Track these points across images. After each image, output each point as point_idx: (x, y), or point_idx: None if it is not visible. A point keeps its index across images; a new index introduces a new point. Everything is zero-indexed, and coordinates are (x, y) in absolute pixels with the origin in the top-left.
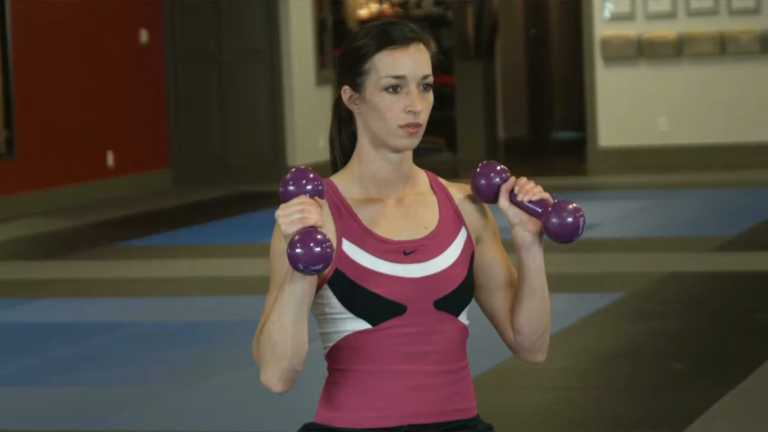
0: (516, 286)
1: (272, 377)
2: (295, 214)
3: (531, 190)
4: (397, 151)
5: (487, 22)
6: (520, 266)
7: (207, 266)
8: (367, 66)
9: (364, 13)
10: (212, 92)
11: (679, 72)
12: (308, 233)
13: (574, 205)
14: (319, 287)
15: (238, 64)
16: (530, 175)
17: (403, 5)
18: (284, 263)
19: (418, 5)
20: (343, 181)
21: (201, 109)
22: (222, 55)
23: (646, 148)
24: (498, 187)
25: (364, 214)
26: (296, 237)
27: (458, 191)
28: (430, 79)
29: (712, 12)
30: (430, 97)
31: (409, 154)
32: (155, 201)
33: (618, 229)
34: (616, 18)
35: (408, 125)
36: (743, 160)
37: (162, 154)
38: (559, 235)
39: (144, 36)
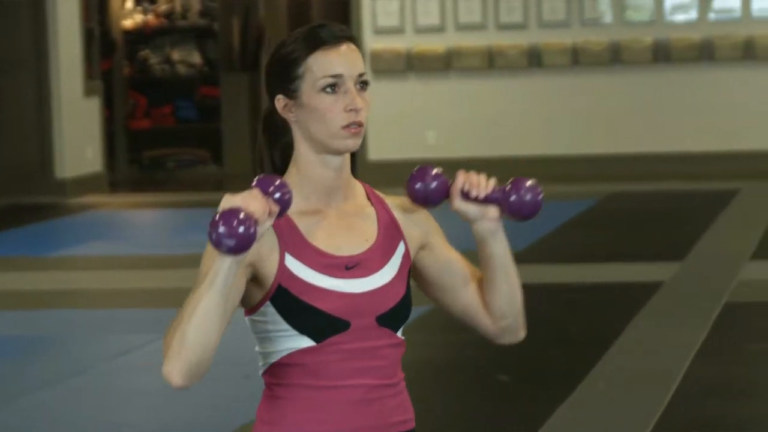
0: (480, 277)
1: (173, 369)
2: (238, 197)
3: (483, 184)
4: (339, 153)
5: (253, 33)
6: (488, 256)
7: None
8: (300, 70)
9: (128, 23)
10: None
11: (448, 85)
12: (234, 211)
13: (531, 181)
14: (260, 304)
15: (3, 74)
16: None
17: (168, 16)
18: (210, 261)
19: (184, 16)
20: None
21: None
22: None
23: (415, 161)
24: (437, 192)
25: (304, 226)
26: (221, 212)
27: (395, 202)
28: (366, 77)
29: (480, 26)
30: (367, 96)
31: (348, 161)
32: None
33: None
34: (385, 31)
35: (350, 125)
36: (511, 173)
37: None
38: (522, 214)
39: None
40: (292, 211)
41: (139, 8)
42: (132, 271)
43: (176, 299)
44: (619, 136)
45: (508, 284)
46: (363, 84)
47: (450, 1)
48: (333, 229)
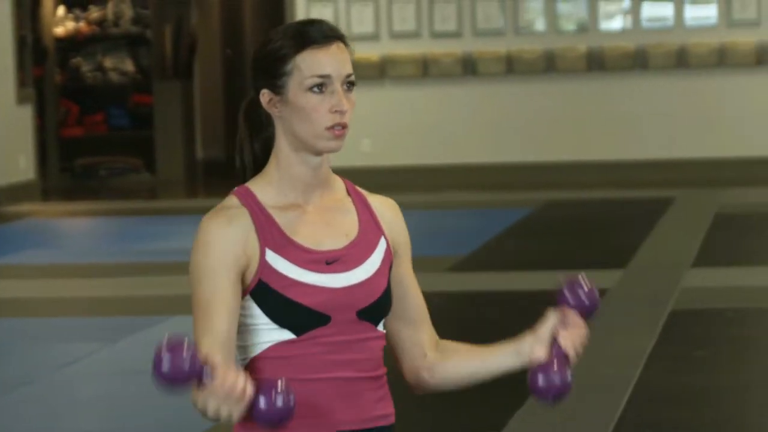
0: (431, 335)
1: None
2: (231, 395)
3: (574, 348)
4: (321, 153)
5: (186, 41)
6: (496, 354)
7: None
8: (288, 67)
9: (60, 30)
10: None
11: (383, 93)
12: (265, 394)
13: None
14: (240, 298)
15: None
16: (225, 195)
17: (100, 23)
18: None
19: (116, 24)
20: (259, 188)
21: None
22: None
23: (350, 168)
24: (586, 309)
25: (284, 221)
26: (258, 402)
27: (377, 201)
28: (353, 78)
29: (414, 35)
30: (353, 96)
31: (327, 159)
32: None
33: None
34: None
35: (334, 126)
36: (448, 181)
37: None
38: (539, 393)
39: None
40: (270, 206)
41: (71, 15)
42: (68, 279)
43: (115, 308)
44: (553, 144)
45: (470, 377)
46: (350, 84)
47: (384, 9)
48: (313, 224)
